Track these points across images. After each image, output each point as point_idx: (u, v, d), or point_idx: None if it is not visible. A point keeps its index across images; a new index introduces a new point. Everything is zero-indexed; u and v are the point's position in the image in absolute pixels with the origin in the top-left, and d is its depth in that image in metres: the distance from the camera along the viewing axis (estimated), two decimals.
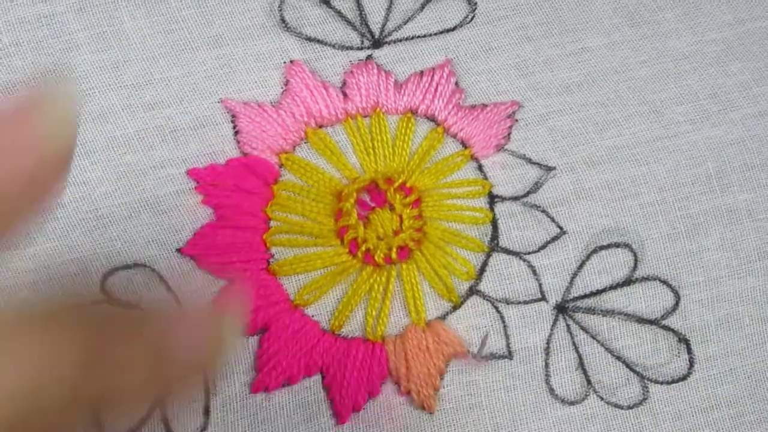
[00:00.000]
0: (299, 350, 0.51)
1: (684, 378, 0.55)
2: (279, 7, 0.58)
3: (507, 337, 0.53)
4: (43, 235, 0.51)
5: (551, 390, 0.53)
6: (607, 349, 0.54)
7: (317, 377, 0.51)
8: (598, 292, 0.55)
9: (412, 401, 0.52)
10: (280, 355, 0.51)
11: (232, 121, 0.55)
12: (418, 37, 0.59)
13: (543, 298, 0.54)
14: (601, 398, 0.54)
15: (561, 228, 0.55)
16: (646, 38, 0.61)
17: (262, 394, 0.51)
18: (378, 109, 0.56)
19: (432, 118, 0.57)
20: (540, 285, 0.54)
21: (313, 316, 0.52)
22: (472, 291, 0.54)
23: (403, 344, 0.52)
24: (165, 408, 0.50)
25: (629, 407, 0.54)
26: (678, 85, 0.60)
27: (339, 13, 0.58)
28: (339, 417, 0.51)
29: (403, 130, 0.56)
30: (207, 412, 0.50)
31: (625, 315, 0.55)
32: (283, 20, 0.58)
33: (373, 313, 0.52)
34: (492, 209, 0.55)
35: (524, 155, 0.57)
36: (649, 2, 0.62)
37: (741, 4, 0.63)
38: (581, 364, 0.54)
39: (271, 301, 0.52)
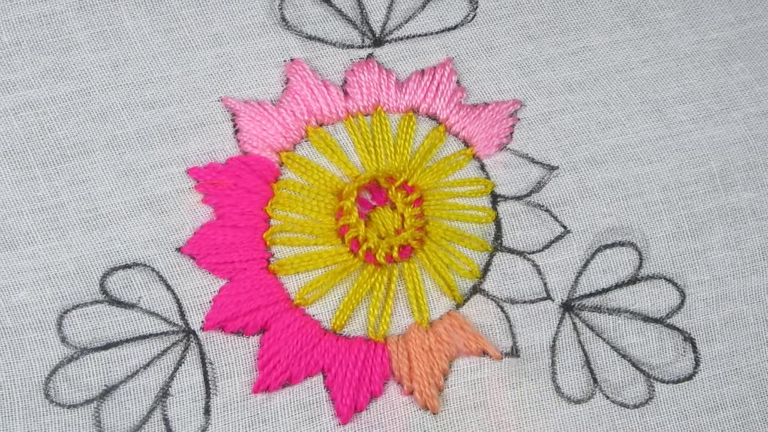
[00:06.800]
0: (300, 350, 0.51)
1: (690, 377, 0.54)
2: (279, 5, 0.58)
3: (513, 335, 0.53)
4: (43, 234, 0.51)
5: (557, 388, 0.53)
6: (613, 347, 0.54)
7: (319, 377, 0.51)
8: (604, 291, 0.54)
9: (415, 401, 0.51)
10: (280, 355, 0.50)
11: (232, 120, 0.55)
12: (420, 35, 0.59)
13: (548, 297, 0.54)
14: (607, 397, 0.53)
15: (565, 227, 0.55)
16: (647, 37, 0.61)
17: (263, 395, 0.50)
18: (379, 108, 0.56)
19: (433, 117, 0.57)
20: (545, 284, 0.54)
21: (314, 315, 0.52)
22: (476, 290, 0.53)
23: (406, 344, 0.52)
24: (166, 407, 0.49)
25: (635, 406, 0.53)
26: (680, 84, 0.60)
27: (340, 11, 0.58)
28: (341, 417, 0.50)
29: (404, 129, 0.56)
30: (208, 412, 0.50)
31: (631, 313, 0.54)
32: (283, 18, 0.58)
33: (375, 312, 0.52)
34: (495, 208, 0.55)
35: (527, 154, 0.57)
36: (651, 1, 0.62)
37: (743, 2, 0.63)
38: (587, 362, 0.53)
39: (271, 300, 0.51)
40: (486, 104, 0.57)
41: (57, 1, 0.56)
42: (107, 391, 0.49)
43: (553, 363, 0.53)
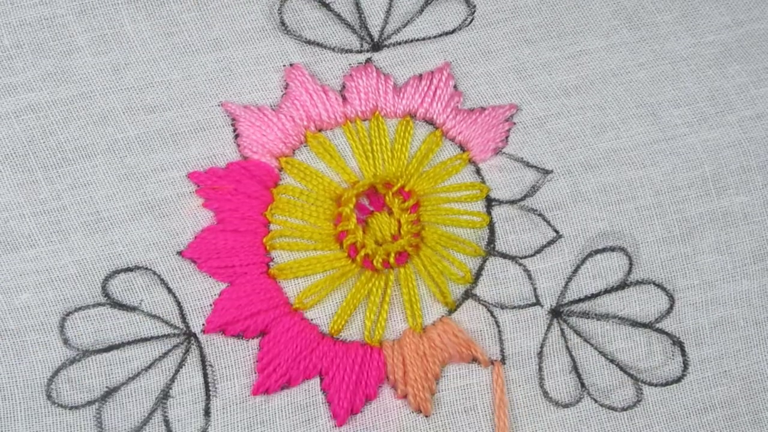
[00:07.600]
0: (299, 354, 0.52)
1: (678, 380, 0.55)
2: (279, 10, 0.58)
3: (501, 341, 0.54)
4: (45, 237, 0.52)
5: (545, 393, 0.54)
6: (600, 352, 0.55)
7: (316, 380, 0.52)
8: (593, 296, 0.55)
9: (408, 404, 0.52)
10: (279, 359, 0.52)
11: (233, 125, 0.55)
12: (417, 40, 0.59)
13: (537, 303, 0.55)
14: (595, 401, 0.54)
15: (557, 232, 0.56)
16: (644, 40, 0.61)
17: (262, 397, 0.51)
18: (377, 113, 0.57)
19: (430, 122, 0.58)
20: (535, 289, 0.55)
21: (312, 319, 0.53)
22: (468, 295, 0.54)
23: (401, 349, 0.53)
24: (166, 409, 0.51)
25: (623, 409, 0.55)
26: (676, 88, 0.60)
27: (338, 16, 0.59)
28: (337, 419, 0.52)
29: (401, 134, 0.57)
30: (208, 413, 0.51)
31: (620, 318, 0.55)
32: (282, 23, 0.58)
33: (372, 317, 0.53)
34: (489, 213, 0.56)
35: (522, 158, 0.57)
36: (648, 4, 0.62)
37: (739, 5, 0.63)
38: (575, 367, 0.54)
39: (270, 304, 0.52)
40: (482, 108, 0.58)
41: (58, 4, 0.56)
42: (109, 393, 0.50)
43: (541, 369, 0.54)
